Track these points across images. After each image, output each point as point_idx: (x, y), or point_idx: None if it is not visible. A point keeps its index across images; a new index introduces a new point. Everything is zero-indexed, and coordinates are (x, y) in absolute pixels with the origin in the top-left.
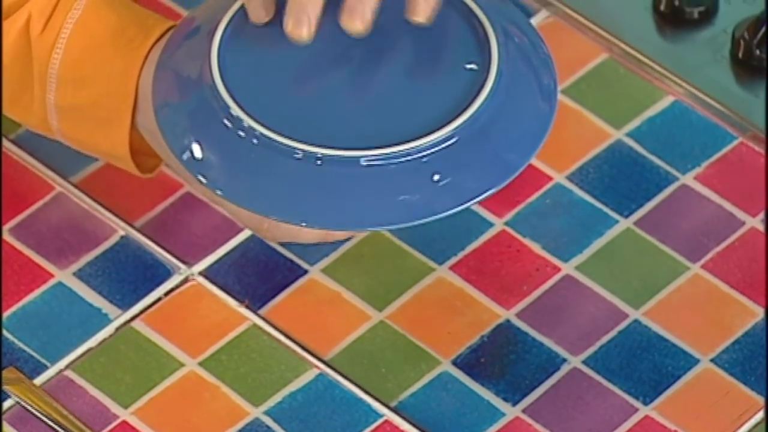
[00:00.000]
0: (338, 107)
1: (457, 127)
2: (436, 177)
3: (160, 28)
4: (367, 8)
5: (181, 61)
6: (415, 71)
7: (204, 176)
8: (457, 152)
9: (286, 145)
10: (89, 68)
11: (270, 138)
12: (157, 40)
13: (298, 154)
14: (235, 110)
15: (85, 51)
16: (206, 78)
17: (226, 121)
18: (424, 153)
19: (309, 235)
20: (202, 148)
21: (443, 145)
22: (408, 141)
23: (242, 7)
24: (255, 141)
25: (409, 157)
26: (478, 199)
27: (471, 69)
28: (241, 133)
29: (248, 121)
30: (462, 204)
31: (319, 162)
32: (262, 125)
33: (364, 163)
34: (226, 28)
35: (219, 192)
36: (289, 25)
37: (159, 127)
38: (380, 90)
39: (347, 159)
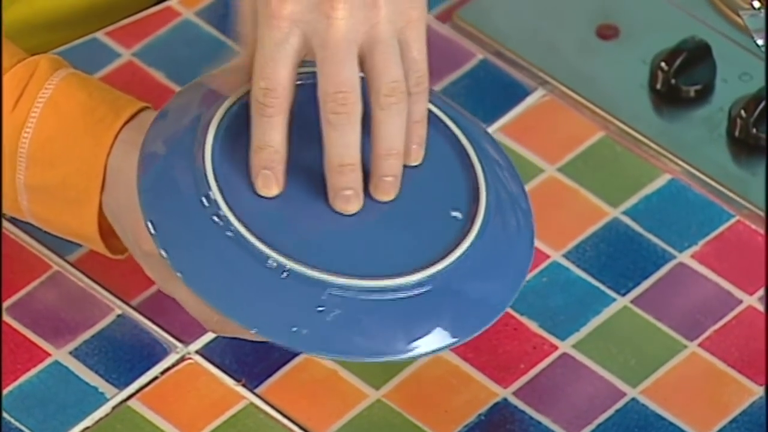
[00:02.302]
0: (319, 227)
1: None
2: (376, 322)
3: (131, 108)
4: (398, 181)
5: (168, 146)
6: (402, 208)
7: (166, 251)
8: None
9: (256, 247)
10: (59, 148)
11: (244, 236)
12: (128, 121)
13: (267, 260)
14: (220, 203)
15: (55, 130)
16: (198, 162)
17: (203, 200)
18: (400, 294)
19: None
20: (172, 225)
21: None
22: (379, 278)
23: (237, 101)
24: (229, 234)
25: (376, 295)
26: (427, 351)
27: (455, 217)
28: (216, 219)
29: (227, 214)
30: (398, 354)
31: (285, 274)
32: (240, 222)
33: (330, 290)
34: (223, 117)
35: (179, 274)
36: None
37: (140, 202)
38: (362, 218)
39: (313, 280)
